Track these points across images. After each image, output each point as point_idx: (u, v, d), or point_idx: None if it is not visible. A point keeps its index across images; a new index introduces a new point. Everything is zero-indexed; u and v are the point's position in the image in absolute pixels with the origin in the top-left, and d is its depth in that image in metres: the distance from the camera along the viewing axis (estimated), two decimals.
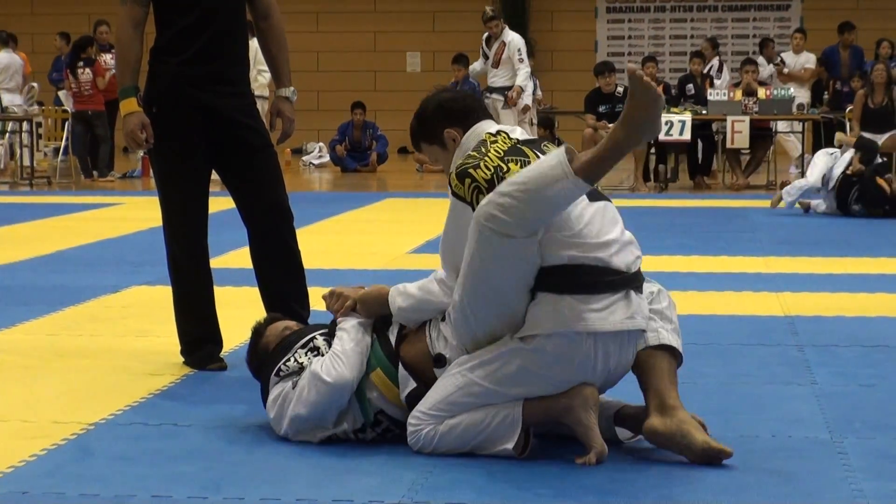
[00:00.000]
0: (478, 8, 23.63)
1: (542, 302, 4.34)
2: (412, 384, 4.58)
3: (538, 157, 4.47)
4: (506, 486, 4.15)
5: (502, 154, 4.47)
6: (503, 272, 4.30)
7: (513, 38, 17.00)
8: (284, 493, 4.09)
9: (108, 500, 4.03)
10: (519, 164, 4.42)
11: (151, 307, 7.40)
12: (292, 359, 4.70)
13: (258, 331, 5.00)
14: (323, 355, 4.63)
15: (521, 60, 16.84)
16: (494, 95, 16.82)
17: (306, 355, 4.69)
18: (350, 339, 4.65)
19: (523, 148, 4.53)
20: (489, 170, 4.41)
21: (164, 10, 5.80)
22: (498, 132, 4.59)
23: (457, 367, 4.47)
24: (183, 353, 5.96)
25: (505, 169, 4.40)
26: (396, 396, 4.60)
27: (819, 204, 13.15)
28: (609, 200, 4.59)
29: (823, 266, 9.36)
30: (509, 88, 16.74)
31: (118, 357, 6.15)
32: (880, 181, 12.70)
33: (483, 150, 4.50)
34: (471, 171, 4.42)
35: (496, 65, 16.85)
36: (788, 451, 4.55)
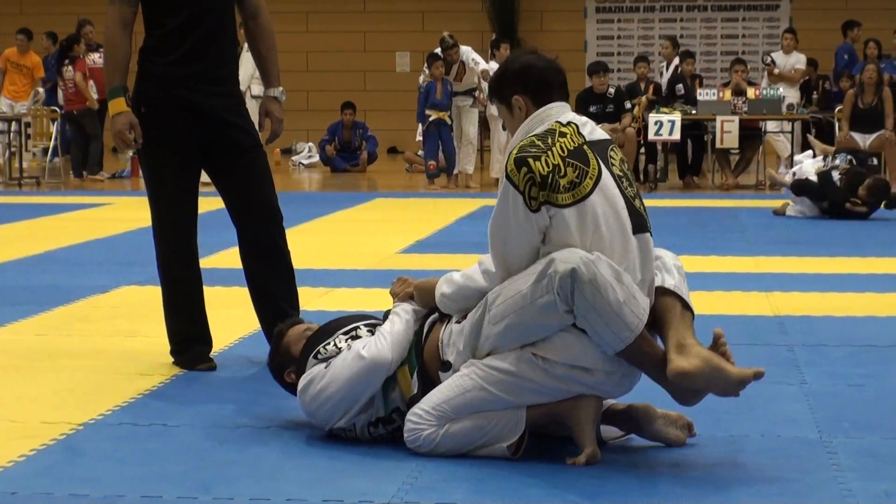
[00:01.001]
0: (468, 8, 23.69)
1: (572, 332, 4.32)
2: (415, 389, 4.56)
3: (599, 165, 4.41)
4: (496, 487, 4.15)
5: (566, 154, 4.38)
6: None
7: (465, 52, 17.58)
8: (274, 494, 4.08)
9: (98, 501, 4.02)
10: (577, 171, 4.36)
11: (141, 307, 7.39)
12: (332, 343, 4.68)
13: (280, 332, 4.96)
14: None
15: (476, 62, 17.54)
16: (459, 97, 17.19)
17: (346, 341, 4.68)
18: (401, 321, 4.65)
19: (587, 152, 4.43)
20: (548, 166, 4.33)
21: (152, 11, 5.80)
22: (568, 123, 4.48)
23: (466, 368, 4.44)
24: (172, 353, 5.96)
25: (563, 172, 4.33)
26: (409, 393, 4.60)
27: (793, 207, 13.01)
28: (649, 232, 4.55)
29: (813, 266, 9.37)
30: (474, 90, 17.31)
31: (107, 357, 6.14)
32: (849, 205, 12.59)
33: (549, 141, 4.40)
34: (530, 160, 4.34)
35: (459, 80, 17.28)
36: (778, 451, 4.55)
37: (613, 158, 4.51)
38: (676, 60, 18.74)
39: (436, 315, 4.66)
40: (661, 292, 4.48)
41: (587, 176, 4.37)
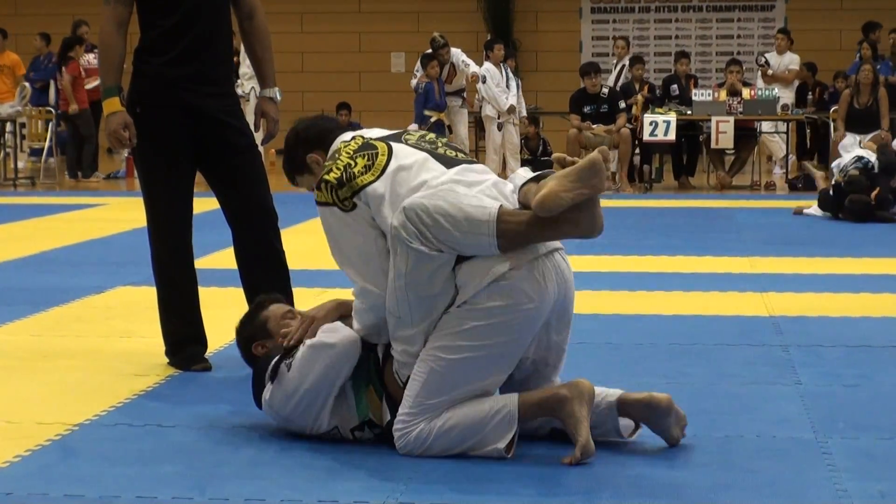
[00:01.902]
0: (462, 8, 23.69)
1: (464, 266, 4.36)
2: (388, 416, 4.56)
3: (389, 146, 4.59)
4: (490, 487, 4.15)
5: (352, 153, 4.59)
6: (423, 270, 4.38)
7: (455, 54, 17.82)
8: (269, 494, 4.08)
9: (93, 501, 4.02)
10: (366, 157, 4.55)
11: (136, 308, 7.39)
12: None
13: (261, 303, 5.03)
14: None
15: (466, 64, 17.85)
16: (450, 97, 17.35)
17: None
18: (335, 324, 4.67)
19: (373, 142, 4.64)
20: (339, 169, 4.54)
21: (147, 11, 5.80)
22: (353, 137, 4.70)
23: (419, 358, 4.45)
24: (167, 353, 5.96)
25: (353, 164, 4.53)
26: (380, 418, 4.59)
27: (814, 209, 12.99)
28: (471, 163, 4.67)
29: (808, 266, 9.37)
30: (463, 90, 17.75)
31: (103, 358, 6.14)
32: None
33: (335, 155, 4.63)
34: (325, 177, 4.56)
35: (449, 82, 17.43)
36: (773, 451, 4.55)
37: (410, 136, 4.72)
38: (626, 62, 18.75)
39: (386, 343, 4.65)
40: (519, 190, 4.52)
41: (378, 155, 4.58)
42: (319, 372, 4.54)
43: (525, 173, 4.56)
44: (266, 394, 4.67)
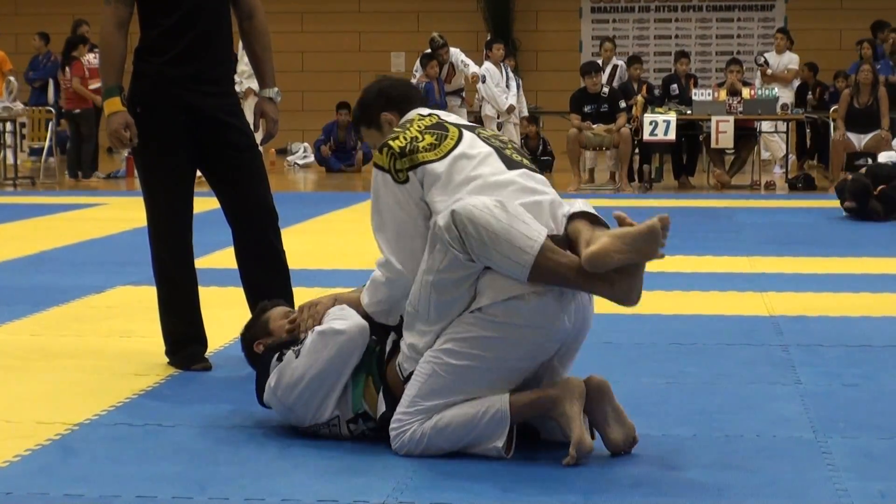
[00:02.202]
0: (462, 8, 23.69)
1: (489, 272, 4.33)
2: (384, 408, 4.55)
3: (460, 132, 4.59)
4: (490, 486, 4.15)
5: (423, 128, 4.60)
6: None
7: (454, 54, 17.98)
8: (269, 493, 4.08)
9: (93, 501, 4.02)
10: (435, 136, 4.54)
11: (136, 307, 7.39)
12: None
13: (264, 308, 5.05)
14: None
15: (466, 65, 18.03)
16: (450, 97, 17.41)
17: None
18: (349, 311, 4.66)
19: (446, 124, 4.63)
20: (405, 139, 4.53)
21: (147, 10, 5.80)
22: (430, 114, 4.71)
23: (422, 358, 4.43)
24: (167, 353, 5.96)
25: (420, 139, 4.53)
26: (375, 410, 4.59)
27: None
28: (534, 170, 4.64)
29: (808, 266, 9.37)
30: (461, 90, 17.92)
31: (102, 357, 6.14)
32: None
33: (407, 125, 4.64)
34: (389, 142, 4.56)
35: (448, 81, 17.50)
36: (773, 451, 4.55)
37: (481, 132, 4.70)
38: (618, 61, 18.73)
39: (394, 338, 4.63)
40: (569, 219, 4.47)
41: (447, 137, 4.57)
42: (327, 359, 4.54)
43: (582, 205, 4.51)
44: (271, 380, 4.65)
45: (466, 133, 4.62)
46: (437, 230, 4.31)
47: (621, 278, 4.30)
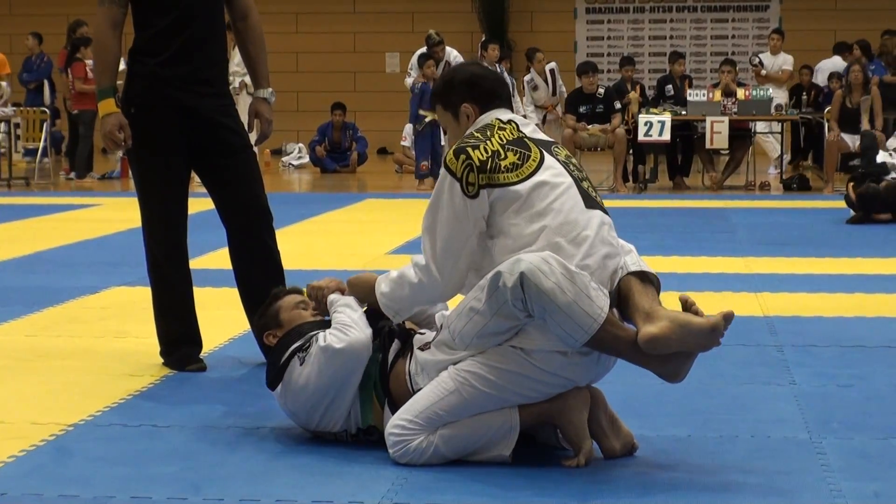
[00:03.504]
0: (457, 8, 23.69)
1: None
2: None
3: (542, 154, 4.46)
4: (486, 487, 4.15)
5: (505, 142, 4.45)
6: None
7: (450, 54, 18.03)
8: (264, 494, 4.08)
9: (87, 502, 4.02)
10: (518, 155, 4.41)
11: (130, 308, 7.39)
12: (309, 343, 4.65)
13: (276, 295, 4.93)
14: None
15: None
16: None
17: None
18: (353, 310, 4.63)
19: (528, 142, 4.50)
20: (487, 152, 4.38)
21: (141, 11, 5.80)
22: (509, 121, 4.55)
23: (446, 371, 4.39)
24: (162, 353, 5.95)
25: (503, 156, 4.38)
26: (382, 425, 4.55)
27: None
28: (605, 211, 4.55)
29: (802, 266, 9.38)
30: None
31: (97, 358, 6.14)
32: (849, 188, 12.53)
33: (488, 133, 4.47)
34: (469, 149, 4.40)
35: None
36: (767, 451, 4.56)
37: (558, 152, 4.57)
38: (551, 64, 18.76)
39: (397, 346, 4.61)
40: (623, 276, 4.44)
41: (529, 159, 4.43)
42: (330, 374, 4.52)
43: (636, 260, 4.48)
44: (279, 386, 4.64)
45: (548, 157, 4.48)
46: (500, 285, 4.21)
47: (674, 360, 4.33)
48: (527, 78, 18.84)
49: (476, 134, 4.48)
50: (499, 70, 18.15)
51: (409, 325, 4.73)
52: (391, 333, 4.64)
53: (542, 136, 4.63)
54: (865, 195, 12.35)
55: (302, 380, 4.56)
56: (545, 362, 4.30)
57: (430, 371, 4.44)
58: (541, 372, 4.32)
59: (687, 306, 4.33)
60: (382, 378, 4.57)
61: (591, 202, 4.46)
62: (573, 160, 4.63)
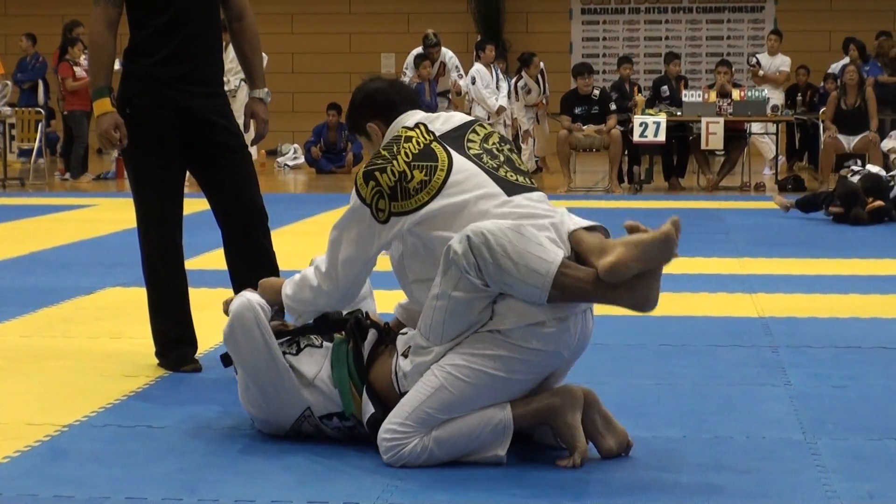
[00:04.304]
0: (453, 9, 23.70)
1: (506, 299, 4.30)
2: (371, 409, 4.52)
3: (449, 158, 4.46)
4: (481, 488, 4.15)
5: (411, 159, 4.45)
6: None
7: (450, 57, 18.14)
8: (259, 495, 4.08)
9: (82, 502, 4.02)
10: (424, 170, 4.42)
11: (126, 309, 7.39)
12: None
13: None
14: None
15: (460, 76, 18.18)
16: (439, 98, 17.53)
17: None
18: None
19: (435, 148, 4.49)
20: (394, 176, 4.42)
21: (137, 11, 5.80)
22: (416, 125, 4.56)
23: (431, 370, 4.38)
24: (157, 354, 5.95)
25: (409, 176, 4.41)
26: (360, 413, 4.55)
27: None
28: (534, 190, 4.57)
29: (797, 267, 9.39)
30: (448, 92, 18.11)
31: (92, 358, 6.14)
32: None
33: (395, 149, 4.49)
34: (377, 173, 4.44)
35: (436, 80, 17.68)
36: (762, 452, 4.56)
37: (473, 139, 4.58)
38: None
39: (373, 336, 4.62)
40: (570, 235, 4.45)
41: (436, 170, 4.44)
42: (246, 355, 4.61)
43: (579, 220, 4.49)
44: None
45: (457, 158, 4.48)
46: (451, 255, 4.24)
47: (640, 284, 4.30)
48: (520, 83, 18.83)
49: (383, 152, 4.52)
50: (493, 70, 18.17)
51: (374, 318, 4.78)
52: (358, 323, 4.66)
53: (456, 122, 4.64)
54: (845, 193, 12.42)
55: (240, 379, 4.66)
56: (524, 338, 4.29)
57: (414, 377, 4.43)
58: (522, 350, 4.30)
59: (633, 229, 4.33)
60: (358, 366, 4.57)
61: (511, 188, 4.47)
62: (495, 138, 4.64)
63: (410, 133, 4.54)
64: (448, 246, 4.27)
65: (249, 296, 4.71)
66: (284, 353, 4.64)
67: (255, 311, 4.61)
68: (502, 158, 4.57)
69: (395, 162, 4.45)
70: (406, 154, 4.48)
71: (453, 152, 4.51)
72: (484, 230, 4.22)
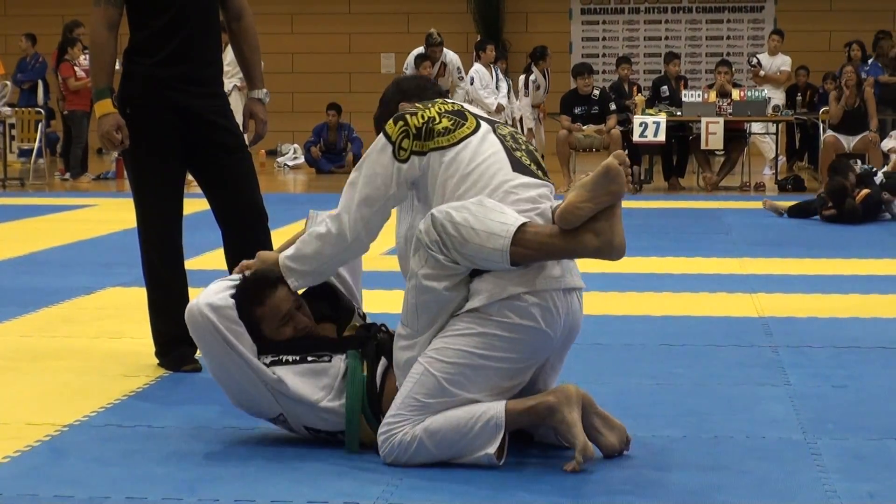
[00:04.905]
0: (453, 9, 23.69)
1: (480, 277, 4.32)
2: None
3: (478, 122, 4.53)
4: (481, 488, 4.15)
5: (442, 110, 4.54)
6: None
7: (452, 59, 18.03)
8: (259, 495, 4.08)
9: (83, 502, 4.02)
10: (452, 121, 4.49)
11: (126, 308, 7.39)
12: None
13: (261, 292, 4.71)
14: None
15: (460, 79, 18.06)
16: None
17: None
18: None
19: (467, 113, 4.57)
20: (423, 119, 4.48)
21: (137, 12, 5.80)
22: (452, 102, 4.64)
23: (417, 361, 4.38)
24: (157, 354, 5.95)
25: (437, 121, 4.48)
26: (372, 440, 4.49)
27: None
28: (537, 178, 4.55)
29: (797, 267, 9.39)
30: (448, 92, 17.78)
31: (92, 358, 6.14)
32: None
33: (429, 104, 4.58)
34: (407, 115, 4.51)
35: (435, 80, 17.79)
36: (762, 452, 4.56)
37: (501, 129, 4.63)
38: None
39: (385, 363, 4.58)
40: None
41: (464, 126, 4.51)
42: (212, 355, 4.62)
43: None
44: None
45: (483, 125, 4.56)
46: (417, 234, 4.31)
47: (603, 226, 4.28)
48: (532, 77, 18.81)
49: (418, 105, 4.59)
50: (493, 71, 18.16)
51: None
52: (378, 348, 4.60)
53: (485, 114, 4.71)
54: (833, 190, 12.46)
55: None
56: (500, 313, 4.28)
57: (405, 370, 4.43)
58: (501, 325, 4.29)
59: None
60: (371, 400, 4.52)
61: (519, 167, 4.48)
62: (520, 136, 4.68)
63: (448, 103, 4.61)
64: (415, 230, 4.34)
65: (200, 300, 4.62)
66: (282, 360, 4.57)
67: (205, 316, 4.56)
68: (524, 148, 4.61)
69: (427, 109, 4.53)
70: (439, 108, 4.55)
71: (483, 123, 4.58)
72: (447, 207, 4.29)
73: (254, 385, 4.56)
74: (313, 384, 4.54)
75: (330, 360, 4.58)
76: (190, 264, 6.17)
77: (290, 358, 4.58)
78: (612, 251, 4.31)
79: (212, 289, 4.69)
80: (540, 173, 4.55)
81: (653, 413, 5.09)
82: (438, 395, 4.34)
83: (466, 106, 4.66)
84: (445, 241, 4.24)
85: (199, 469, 4.38)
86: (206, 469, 4.38)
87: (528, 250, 4.25)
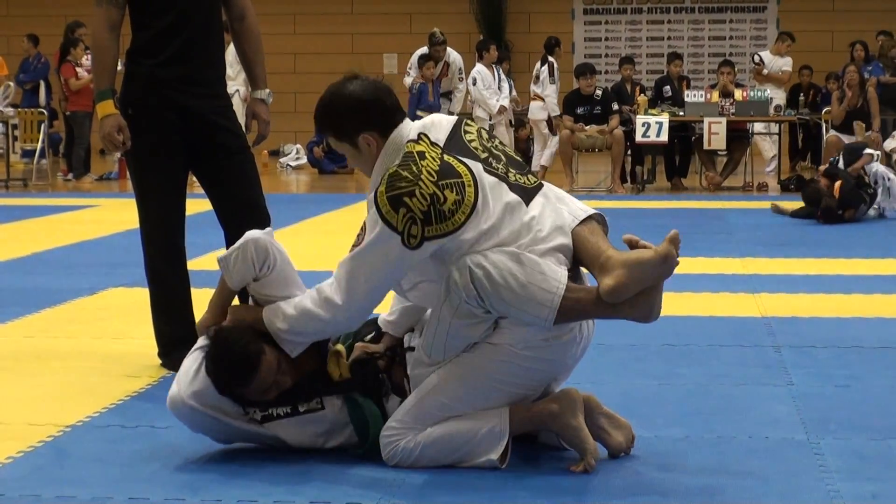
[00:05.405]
0: (455, 9, 23.70)
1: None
2: None
3: (471, 172, 4.25)
4: (482, 489, 4.15)
5: (436, 178, 4.19)
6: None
7: (455, 59, 18.04)
8: (261, 496, 4.08)
9: (85, 502, 4.02)
10: (455, 190, 4.19)
11: (128, 309, 7.39)
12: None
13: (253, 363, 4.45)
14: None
15: (461, 79, 18.05)
16: (441, 99, 17.60)
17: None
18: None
19: (451, 161, 4.27)
20: (425, 199, 4.16)
21: (139, 13, 5.80)
22: (418, 138, 4.33)
23: (433, 373, 4.37)
24: (160, 354, 5.95)
25: (441, 199, 4.16)
26: None
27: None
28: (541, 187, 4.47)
29: (800, 267, 9.39)
30: (450, 93, 18.05)
31: (95, 359, 6.14)
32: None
33: (414, 168, 4.21)
34: (406, 199, 4.16)
35: (438, 80, 17.68)
36: (765, 452, 4.56)
37: (471, 139, 4.41)
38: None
39: (397, 403, 4.52)
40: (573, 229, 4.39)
41: (465, 187, 4.23)
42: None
43: (578, 209, 4.43)
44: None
45: (475, 168, 4.28)
46: (452, 284, 4.19)
47: (642, 299, 4.27)
48: (555, 65, 18.64)
49: (403, 173, 4.19)
50: (496, 71, 18.15)
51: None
52: (391, 386, 4.55)
53: (445, 126, 4.43)
54: (809, 196, 12.57)
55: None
56: (528, 348, 4.26)
57: (417, 383, 4.42)
58: (525, 358, 4.28)
59: (632, 244, 4.30)
60: (384, 415, 4.49)
61: (525, 193, 4.35)
62: (485, 135, 4.50)
63: (420, 147, 4.29)
64: (450, 275, 4.20)
65: (182, 392, 4.45)
66: (272, 414, 4.48)
67: (190, 406, 4.45)
68: (503, 159, 4.45)
69: (421, 184, 4.17)
70: (429, 173, 4.20)
71: (468, 161, 4.32)
72: (484, 262, 4.16)
73: (257, 435, 4.55)
74: (311, 433, 4.51)
75: (322, 407, 4.50)
76: (192, 265, 6.18)
77: (280, 411, 4.49)
78: (646, 321, 4.34)
79: (189, 373, 4.51)
80: (529, 180, 4.42)
81: (655, 413, 5.08)
82: (447, 410, 4.34)
83: (430, 133, 4.35)
84: (484, 298, 4.17)
85: (202, 470, 4.38)
86: (208, 470, 4.38)
87: (566, 315, 4.23)
